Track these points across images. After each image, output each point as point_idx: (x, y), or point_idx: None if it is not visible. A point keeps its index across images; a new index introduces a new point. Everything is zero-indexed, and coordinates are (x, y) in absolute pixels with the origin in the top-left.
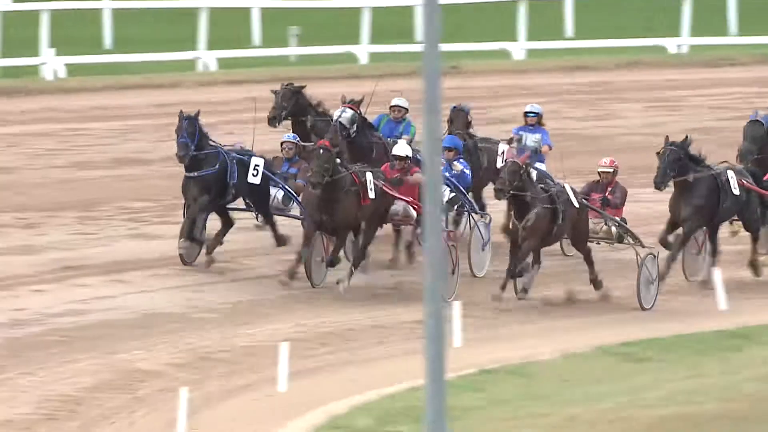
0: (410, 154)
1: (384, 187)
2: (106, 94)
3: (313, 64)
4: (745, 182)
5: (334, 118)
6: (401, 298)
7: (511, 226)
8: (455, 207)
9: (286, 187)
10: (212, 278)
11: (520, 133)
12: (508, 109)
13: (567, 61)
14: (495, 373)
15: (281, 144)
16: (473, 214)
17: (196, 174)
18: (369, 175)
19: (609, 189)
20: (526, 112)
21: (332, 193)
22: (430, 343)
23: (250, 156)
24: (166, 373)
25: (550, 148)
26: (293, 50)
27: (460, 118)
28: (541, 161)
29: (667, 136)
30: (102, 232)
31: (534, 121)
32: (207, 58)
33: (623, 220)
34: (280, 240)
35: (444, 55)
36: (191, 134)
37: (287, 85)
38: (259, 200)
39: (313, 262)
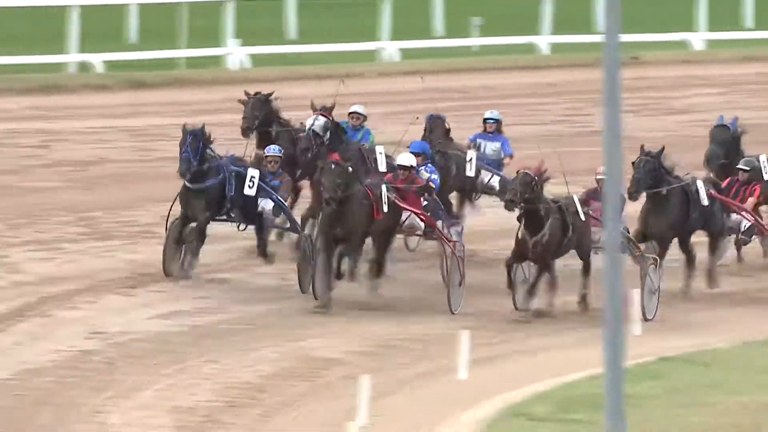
0: (415, 164)
1: (396, 200)
2: (288, 84)
3: (495, 54)
4: (713, 192)
5: (307, 126)
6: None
7: (520, 237)
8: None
9: (279, 198)
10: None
11: (478, 140)
12: (686, 99)
13: (746, 51)
14: (673, 362)
15: (265, 157)
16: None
17: (198, 186)
18: (383, 189)
19: None
20: (486, 119)
21: (346, 207)
22: (609, 332)
23: (246, 168)
24: (347, 360)
25: (512, 158)
26: (475, 41)
27: (438, 126)
28: (497, 167)
29: (642, 146)
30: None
31: (493, 128)
32: (389, 48)
33: (625, 229)
34: (266, 255)
35: (624, 46)
36: (195, 149)
37: (256, 94)
38: (251, 212)
39: (324, 275)
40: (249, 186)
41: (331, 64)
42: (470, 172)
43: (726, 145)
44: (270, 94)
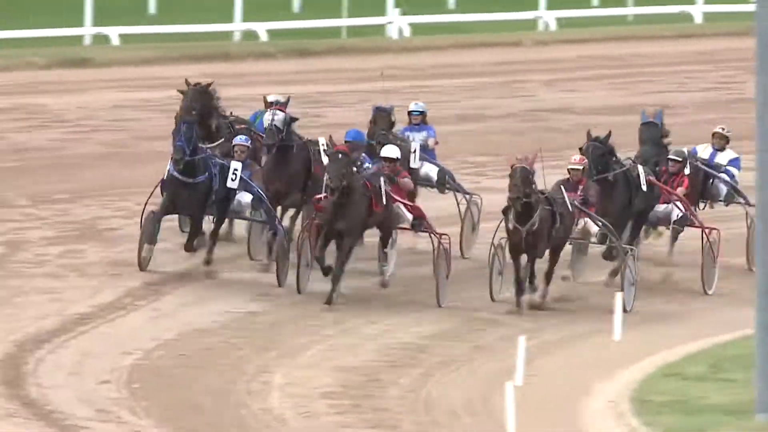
0: (399, 156)
1: (390, 192)
2: (448, 53)
3: (649, 23)
4: (651, 179)
5: (266, 121)
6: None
7: (512, 229)
8: None
9: (260, 190)
10: None
11: (407, 133)
12: None
13: None
14: None
15: (233, 147)
16: None
17: (193, 180)
18: (382, 181)
19: (581, 187)
20: (410, 111)
21: (346, 198)
22: (762, 296)
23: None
24: (505, 322)
25: (437, 143)
26: (630, 10)
27: (382, 119)
28: (432, 157)
29: (589, 131)
30: None
31: (419, 120)
32: (547, 17)
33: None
34: (211, 247)
35: None
36: (189, 139)
37: (195, 84)
38: (227, 205)
39: (301, 267)
40: (231, 179)
41: (489, 33)
42: (414, 163)
43: (658, 143)
44: (209, 85)
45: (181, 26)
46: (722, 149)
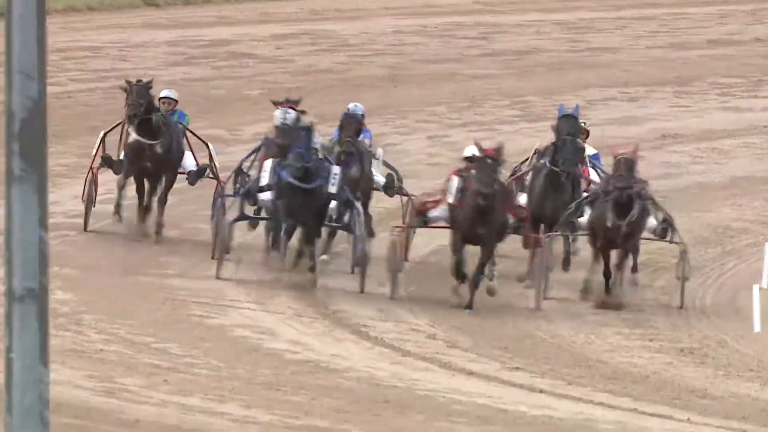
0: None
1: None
2: None
3: None
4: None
5: (278, 119)
6: None
7: (610, 225)
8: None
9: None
10: None
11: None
12: None
13: None
14: None
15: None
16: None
17: (310, 186)
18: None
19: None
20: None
21: (489, 202)
22: None
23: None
24: (752, 229)
25: (371, 144)
26: None
27: (351, 125)
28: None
29: None
30: (696, 105)
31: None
32: None
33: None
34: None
35: None
36: (308, 146)
37: (138, 81)
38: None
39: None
40: (332, 183)
41: None
42: (377, 169)
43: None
44: (150, 82)
45: None
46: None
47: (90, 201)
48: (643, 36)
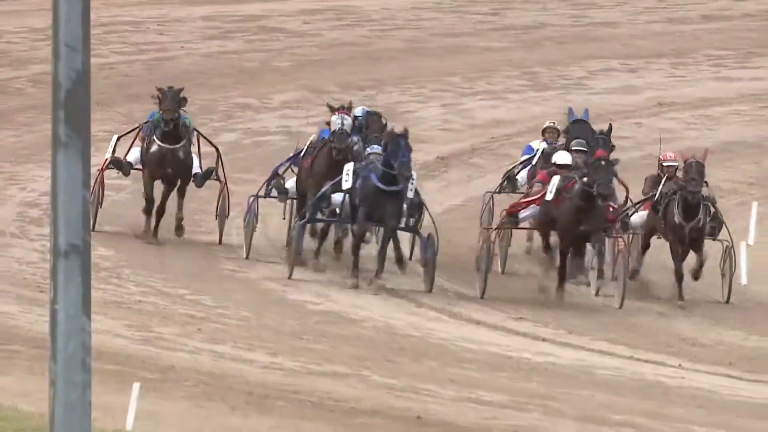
0: (571, 163)
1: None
2: None
3: None
4: None
5: (335, 125)
6: None
7: (678, 224)
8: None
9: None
10: None
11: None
12: None
13: None
14: None
15: (368, 156)
16: None
17: (396, 188)
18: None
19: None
20: (355, 116)
21: (595, 202)
22: None
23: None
24: (740, 190)
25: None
26: None
27: (374, 122)
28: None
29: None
30: (690, 75)
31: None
32: None
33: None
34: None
35: None
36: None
37: (170, 87)
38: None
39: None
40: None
41: None
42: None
43: (589, 143)
44: (182, 89)
45: None
46: (555, 143)
47: (97, 202)
48: (642, 12)
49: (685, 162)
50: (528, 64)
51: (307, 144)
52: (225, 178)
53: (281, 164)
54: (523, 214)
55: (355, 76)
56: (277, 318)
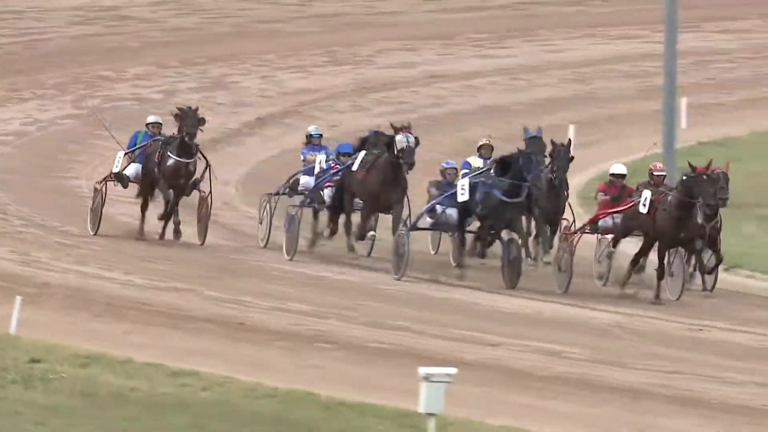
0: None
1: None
2: None
3: None
4: None
5: (403, 144)
6: None
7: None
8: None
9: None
10: None
11: (312, 153)
12: None
13: None
14: None
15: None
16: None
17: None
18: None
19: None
20: (311, 134)
21: (692, 212)
22: None
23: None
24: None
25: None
26: None
27: (380, 141)
28: (330, 175)
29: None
30: (457, 53)
31: (318, 142)
32: None
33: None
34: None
35: None
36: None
37: (188, 107)
38: None
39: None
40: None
41: None
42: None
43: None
44: (198, 108)
45: None
46: (488, 159)
47: (100, 210)
48: (420, 3)
49: (713, 172)
50: (329, 44)
51: (359, 159)
52: (211, 189)
53: (320, 180)
54: (603, 223)
55: (192, 54)
56: (132, 245)
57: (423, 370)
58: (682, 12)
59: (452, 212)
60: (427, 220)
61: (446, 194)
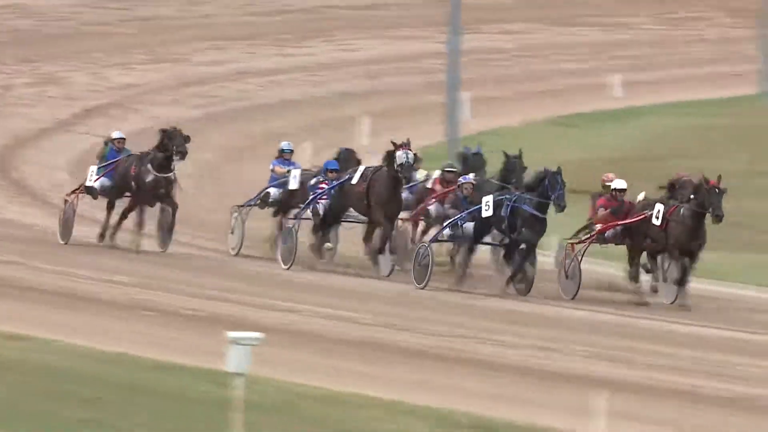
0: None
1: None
2: None
3: None
4: None
5: (402, 159)
6: None
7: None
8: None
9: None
10: None
11: (282, 166)
12: None
13: None
14: None
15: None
16: None
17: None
18: None
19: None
20: (283, 149)
21: (703, 222)
22: None
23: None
24: None
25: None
26: None
27: (351, 158)
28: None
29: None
30: (261, 53)
31: (289, 156)
32: None
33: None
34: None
35: None
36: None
37: (173, 128)
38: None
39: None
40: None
41: None
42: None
43: (482, 174)
44: (181, 130)
45: None
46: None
47: (67, 226)
48: (231, 7)
49: (711, 187)
50: (150, 44)
51: (359, 173)
52: (177, 199)
53: (316, 195)
54: (609, 234)
55: (31, 52)
56: None
57: (231, 334)
58: (465, 14)
59: (469, 226)
60: (445, 233)
61: (470, 210)
